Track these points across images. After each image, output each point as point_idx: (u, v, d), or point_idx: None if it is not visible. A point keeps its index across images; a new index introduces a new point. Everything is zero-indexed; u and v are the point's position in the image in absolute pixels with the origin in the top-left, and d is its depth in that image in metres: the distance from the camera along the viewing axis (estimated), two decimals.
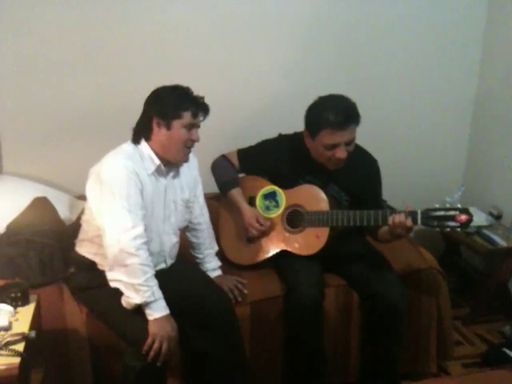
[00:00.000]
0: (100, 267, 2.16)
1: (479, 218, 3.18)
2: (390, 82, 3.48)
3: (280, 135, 2.61)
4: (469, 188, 3.37)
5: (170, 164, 2.22)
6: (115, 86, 3.01)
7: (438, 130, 3.65)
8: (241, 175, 2.64)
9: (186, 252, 2.49)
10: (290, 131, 2.58)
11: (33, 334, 1.77)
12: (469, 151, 3.76)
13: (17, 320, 1.83)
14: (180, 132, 2.13)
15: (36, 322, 1.91)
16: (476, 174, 3.69)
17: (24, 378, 1.75)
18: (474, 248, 3.20)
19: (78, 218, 2.42)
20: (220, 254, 2.57)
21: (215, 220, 2.62)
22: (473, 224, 2.21)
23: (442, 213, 2.17)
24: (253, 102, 3.27)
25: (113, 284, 2.05)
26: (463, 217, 2.15)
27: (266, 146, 2.58)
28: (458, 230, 2.20)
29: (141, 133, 2.18)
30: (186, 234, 2.47)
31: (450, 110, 3.64)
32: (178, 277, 2.30)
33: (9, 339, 1.72)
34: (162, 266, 2.29)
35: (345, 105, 2.33)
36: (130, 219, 2.03)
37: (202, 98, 2.17)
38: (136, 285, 1.99)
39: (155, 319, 2.02)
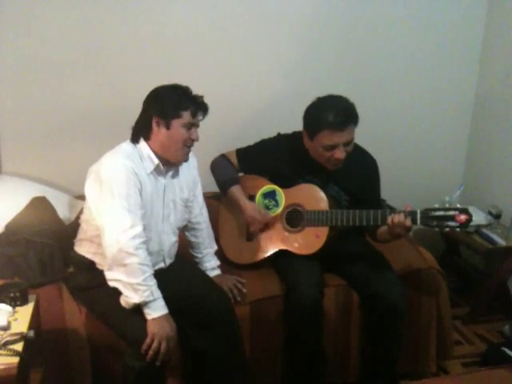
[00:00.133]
0: (99, 267, 2.16)
1: (478, 218, 3.18)
2: (390, 82, 3.48)
3: (279, 135, 2.60)
4: (468, 187, 3.37)
5: (169, 163, 2.22)
6: (115, 85, 3.01)
7: (437, 129, 3.65)
8: (240, 174, 2.64)
9: (185, 251, 2.49)
10: (290, 131, 2.59)
11: (31, 333, 1.77)
12: (468, 151, 3.76)
13: (16, 320, 1.83)
14: (179, 131, 2.13)
15: (35, 322, 1.91)
16: (475, 174, 3.70)
17: (23, 377, 1.76)
18: (474, 247, 3.20)
19: (77, 218, 2.42)
20: (219, 254, 2.57)
21: (214, 219, 2.62)
22: (472, 223, 2.21)
23: (441, 213, 2.18)
24: (253, 101, 3.28)
25: (112, 283, 2.05)
26: (463, 217, 2.15)
27: (265, 146, 2.58)
28: (458, 229, 2.20)
29: (140, 132, 2.18)
30: (185, 234, 2.47)
31: (449, 110, 3.64)
32: (177, 276, 2.30)
33: (7, 339, 1.72)
34: (161, 265, 2.29)
35: (344, 105, 2.33)
36: (129, 219, 2.03)
37: (202, 97, 2.17)
38: (135, 284, 1.99)
39: (154, 319, 2.02)
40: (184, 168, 2.32)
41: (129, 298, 2.01)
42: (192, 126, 2.16)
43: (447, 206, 2.21)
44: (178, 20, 3.05)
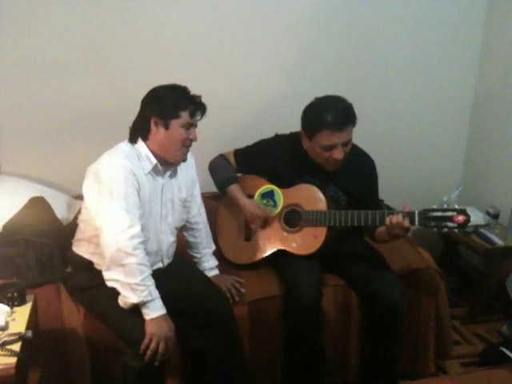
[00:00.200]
0: (97, 267, 2.16)
1: (477, 218, 3.18)
2: (389, 83, 3.48)
3: (277, 135, 2.61)
4: (466, 187, 3.36)
5: (168, 163, 2.22)
6: (114, 85, 3.01)
7: (436, 129, 3.65)
8: (238, 175, 2.64)
9: (184, 251, 2.50)
10: (290, 131, 2.58)
11: (29, 333, 1.78)
12: (467, 151, 3.75)
13: (13, 320, 1.84)
14: (178, 131, 2.13)
15: (33, 322, 1.92)
16: (474, 174, 3.69)
17: (21, 377, 1.76)
18: (472, 247, 3.20)
19: (75, 218, 2.42)
20: (218, 254, 2.58)
21: (213, 219, 2.62)
22: (470, 223, 2.21)
23: (439, 213, 2.18)
24: (252, 101, 3.27)
25: (110, 284, 2.05)
26: (461, 218, 2.15)
27: (263, 146, 2.59)
28: (456, 230, 2.20)
29: (138, 132, 2.18)
30: (183, 234, 2.48)
31: (448, 110, 3.64)
32: (176, 276, 2.31)
33: (5, 339, 1.72)
34: (159, 265, 2.29)
35: (343, 106, 2.33)
36: (127, 219, 2.03)
37: (200, 97, 2.18)
38: (133, 284, 2.00)
39: (152, 319, 2.02)
40: (182, 168, 2.32)
41: (127, 298, 2.02)
42: (190, 126, 2.16)
43: (445, 206, 2.21)
44: (178, 20, 3.05)
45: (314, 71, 3.33)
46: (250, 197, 2.58)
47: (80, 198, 2.34)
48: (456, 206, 2.19)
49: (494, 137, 3.50)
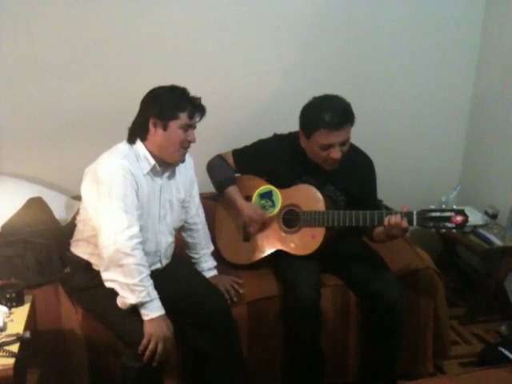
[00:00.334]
0: (95, 267, 2.16)
1: (475, 218, 3.18)
2: (388, 83, 3.48)
3: (275, 135, 2.60)
4: (465, 187, 3.37)
5: (166, 164, 2.22)
6: (113, 86, 3.00)
7: (434, 129, 3.65)
8: (236, 175, 2.64)
9: (182, 252, 2.49)
10: (289, 131, 2.58)
11: (27, 334, 1.77)
12: (465, 151, 3.76)
13: (12, 321, 1.84)
14: (176, 133, 2.13)
15: (31, 323, 1.91)
16: (472, 174, 3.70)
17: (19, 378, 1.75)
18: (471, 248, 3.20)
19: (74, 218, 2.42)
20: (216, 254, 2.57)
21: (211, 220, 2.62)
22: (469, 223, 2.22)
23: (437, 214, 2.18)
24: (251, 102, 3.27)
25: (108, 284, 2.05)
26: (459, 218, 2.15)
27: (262, 146, 2.58)
28: (454, 230, 2.20)
29: (136, 133, 2.18)
30: (181, 234, 2.48)
31: (447, 111, 3.64)
32: (174, 277, 2.31)
33: (3, 340, 1.72)
34: (158, 266, 2.29)
35: (341, 105, 2.33)
36: (126, 219, 2.03)
37: (199, 98, 2.17)
38: (131, 285, 2.00)
39: (151, 319, 2.02)
40: (181, 168, 2.32)
41: (125, 298, 2.02)
42: (189, 127, 2.16)
43: (443, 206, 2.22)
44: (177, 20, 3.04)
45: (313, 71, 3.32)
46: (248, 197, 2.58)
47: (78, 198, 2.33)
48: (454, 207, 2.20)
49: (493, 137, 3.50)
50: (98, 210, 2.08)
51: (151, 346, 1.99)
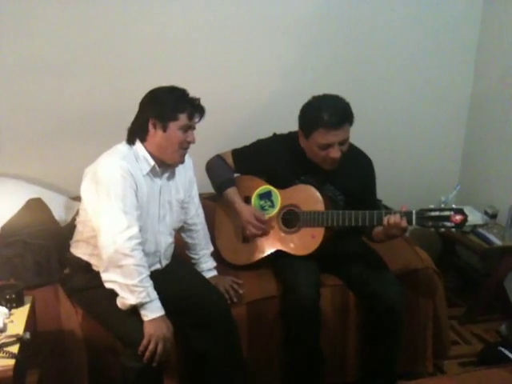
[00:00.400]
0: (95, 268, 2.16)
1: (475, 217, 3.18)
2: (387, 83, 3.48)
3: (275, 135, 2.60)
4: (464, 187, 3.37)
5: (165, 165, 2.22)
6: (113, 86, 3.00)
7: (434, 129, 3.65)
8: (236, 175, 2.64)
9: (182, 252, 2.49)
10: (288, 131, 2.58)
11: (27, 335, 1.77)
12: (464, 150, 3.76)
13: (11, 322, 1.84)
14: (176, 134, 2.13)
15: (31, 324, 1.91)
16: (472, 174, 3.70)
17: (19, 379, 1.75)
18: (470, 247, 3.20)
19: (73, 219, 2.42)
20: (216, 255, 2.57)
21: (211, 220, 2.62)
22: (468, 223, 2.22)
23: (436, 213, 2.18)
24: (250, 102, 3.27)
25: (108, 285, 2.05)
26: (458, 217, 2.15)
27: (261, 146, 2.58)
28: (453, 230, 2.20)
29: (136, 133, 2.18)
30: (181, 235, 2.47)
31: (445, 110, 3.64)
32: (174, 277, 2.31)
33: (3, 341, 1.72)
34: (157, 266, 2.29)
35: (340, 105, 2.33)
36: (125, 220, 2.03)
37: (198, 99, 2.17)
38: (131, 285, 1.99)
39: (150, 320, 2.02)
40: (180, 169, 2.32)
41: (125, 299, 2.02)
42: (188, 128, 2.15)
43: (443, 206, 2.21)
44: (177, 20, 3.04)
45: (313, 71, 3.32)
46: (247, 198, 2.58)
47: (78, 199, 2.33)
48: (453, 206, 2.20)
49: (492, 137, 3.50)
50: (97, 211, 2.08)
51: (151, 347, 1.99)
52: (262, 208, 2.55)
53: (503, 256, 3.10)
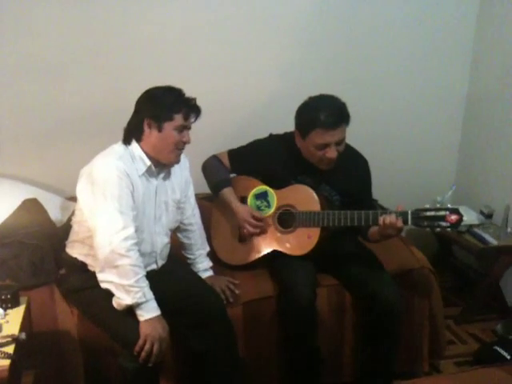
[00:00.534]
0: (91, 268, 2.16)
1: (470, 217, 3.19)
2: (384, 83, 3.49)
3: (271, 135, 2.61)
4: (460, 187, 3.38)
5: (161, 165, 2.22)
6: (112, 86, 3.00)
7: (430, 129, 3.66)
8: (232, 175, 2.64)
9: (178, 252, 2.49)
10: (284, 132, 2.58)
11: (23, 335, 1.77)
12: (460, 151, 3.76)
13: (7, 322, 1.84)
14: (171, 134, 2.13)
15: (26, 324, 1.92)
16: (467, 174, 3.70)
17: (14, 380, 1.76)
18: (466, 247, 3.21)
19: (69, 220, 2.42)
20: (212, 255, 2.57)
21: (207, 220, 2.62)
22: (464, 223, 2.22)
23: (432, 213, 2.18)
24: (248, 102, 3.27)
25: (104, 285, 2.05)
26: (453, 217, 2.15)
27: (257, 146, 2.59)
28: (449, 229, 2.21)
29: (132, 133, 2.18)
30: (177, 235, 2.47)
31: (442, 110, 3.65)
32: (170, 277, 2.30)
33: None
34: (153, 266, 2.29)
35: (336, 105, 2.34)
36: (121, 220, 2.03)
37: (194, 99, 2.17)
38: (127, 286, 1.99)
39: (146, 320, 2.02)
40: (176, 169, 2.32)
41: (121, 299, 2.02)
42: (184, 128, 2.15)
43: (438, 206, 2.22)
44: (176, 20, 3.04)
45: (310, 71, 3.33)
46: (244, 198, 2.58)
47: (74, 199, 2.33)
48: (449, 206, 2.20)
49: (488, 137, 3.51)
50: (93, 211, 2.07)
51: (147, 347, 1.99)
52: (258, 208, 2.56)
53: (499, 256, 3.11)
